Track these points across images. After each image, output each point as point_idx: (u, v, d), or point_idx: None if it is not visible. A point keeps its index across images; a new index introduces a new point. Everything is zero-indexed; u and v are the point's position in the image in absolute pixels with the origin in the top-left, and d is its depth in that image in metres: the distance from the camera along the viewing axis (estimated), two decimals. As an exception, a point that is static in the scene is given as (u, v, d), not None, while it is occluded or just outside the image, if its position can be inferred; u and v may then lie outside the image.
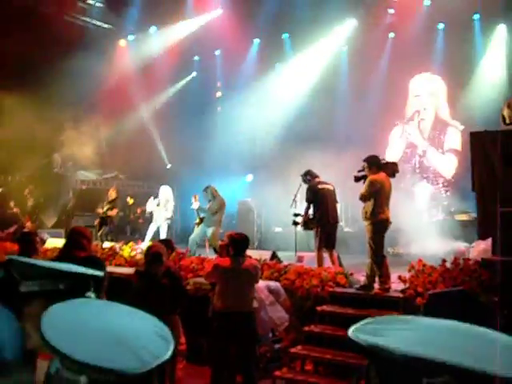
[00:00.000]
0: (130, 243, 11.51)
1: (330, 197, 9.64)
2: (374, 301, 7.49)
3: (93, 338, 1.75)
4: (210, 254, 11.08)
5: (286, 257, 10.34)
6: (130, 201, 17.32)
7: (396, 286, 7.69)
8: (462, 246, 10.93)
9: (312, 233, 9.70)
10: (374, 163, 8.03)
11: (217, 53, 20.59)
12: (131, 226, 18.06)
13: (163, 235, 12.88)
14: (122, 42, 19.80)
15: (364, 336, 1.71)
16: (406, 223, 12.48)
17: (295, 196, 11.32)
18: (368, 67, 17.70)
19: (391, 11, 17.47)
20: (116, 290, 5.64)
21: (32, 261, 5.75)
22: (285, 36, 19.27)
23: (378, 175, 7.85)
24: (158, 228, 13.19)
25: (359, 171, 8.30)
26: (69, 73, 15.31)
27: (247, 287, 6.30)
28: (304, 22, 17.41)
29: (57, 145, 17.59)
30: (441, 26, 17.19)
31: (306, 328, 7.50)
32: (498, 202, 7.51)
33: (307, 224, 9.71)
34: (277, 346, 7.76)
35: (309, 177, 9.87)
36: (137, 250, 10.89)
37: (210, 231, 11.86)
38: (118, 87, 17.74)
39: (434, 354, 1.57)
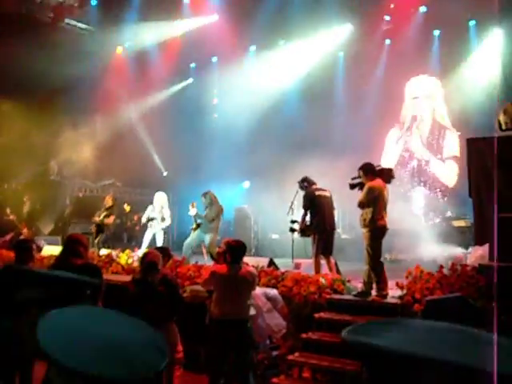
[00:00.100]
0: (127, 250, 11.48)
1: (327, 204, 9.63)
2: (371, 307, 7.47)
3: (87, 346, 1.74)
4: (208, 262, 11.06)
5: (283, 264, 10.33)
6: (127, 208, 17.27)
7: (393, 292, 7.68)
8: (459, 251, 10.94)
9: (309, 239, 9.69)
10: (370, 170, 8.04)
11: (213, 59, 20.63)
12: (128, 233, 18.02)
13: (160, 242, 12.87)
14: (119, 49, 19.81)
15: (356, 337, 1.72)
16: (404, 229, 12.49)
17: (292, 203, 11.31)
18: (364, 73, 17.76)
19: (387, 18, 17.54)
20: (113, 297, 5.62)
21: (28, 268, 5.75)
22: (281, 43, 19.31)
23: (375, 182, 7.86)
24: (154, 235, 13.19)
25: (353, 178, 8.32)
26: (65, 80, 15.32)
27: (244, 294, 6.29)
28: (300, 28, 17.46)
29: (53, 152, 17.57)
30: (437, 32, 17.27)
31: (304, 335, 7.48)
32: (495, 208, 7.51)
33: (304, 231, 9.70)
34: (274, 353, 7.74)
35: (306, 183, 9.87)
36: (134, 257, 10.87)
37: (207, 238, 11.84)
38: (115, 94, 17.76)
39: (425, 351, 1.57)
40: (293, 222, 10.37)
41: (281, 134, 18.01)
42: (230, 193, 17.13)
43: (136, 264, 10.03)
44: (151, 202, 13.42)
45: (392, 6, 17.16)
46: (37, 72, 15.22)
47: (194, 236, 12.08)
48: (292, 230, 10.41)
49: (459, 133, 16.90)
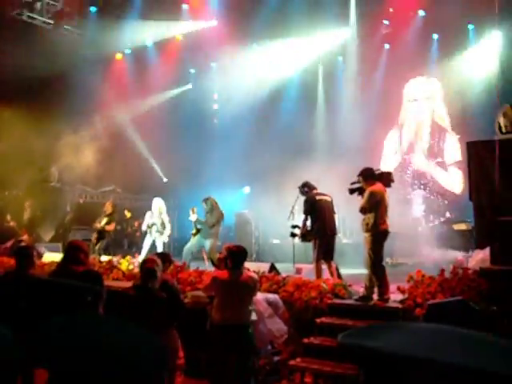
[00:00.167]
0: (128, 257, 11.47)
1: (327, 208, 9.62)
2: (373, 312, 7.46)
3: (85, 353, 1.74)
4: (208, 267, 11.06)
5: (285, 269, 10.31)
6: (128, 214, 17.30)
7: (395, 296, 7.67)
8: (460, 255, 10.92)
9: (310, 244, 9.68)
10: (370, 175, 8.04)
11: (213, 65, 20.66)
12: (128, 239, 18.03)
13: (160, 248, 12.88)
14: (119, 56, 19.85)
15: (352, 340, 1.72)
16: (405, 233, 12.48)
17: (293, 208, 11.30)
18: (363, 77, 17.80)
19: (386, 22, 17.58)
20: (114, 303, 5.62)
21: (30, 275, 5.74)
22: (279, 47, 19.34)
23: (375, 186, 7.85)
24: (154, 241, 13.20)
25: (352, 183, 8.31)
26: (65, 86, 15.33)
27: (245, 300, 6.27)
28: (299, 32, 17.49)
29: (54, 158, 17.57)
30: (435, 36, 17.31)
31: (305, 340, 7.46)
32: (496, 212, 7.51)
33: (305, 236, 9.69)
34: (276, 358, 7.71)
35: (306, 188, 9.86)
36: (134, 263, 10.85)
37: (207, 244, 11.86)
38: (115, 100, 17.78)
39: (421, 353, 1.58)
40: (293, 226, 10.35)
41: (281, 138, 18.03)
42: (231, 198, 17.13)
43: (137, 270, 10.02)
44: (151, 209, 13.44)
45: (391, 10, 17.20)
46: (36, 78, 15.26)
47: (193, 241, 12.10)
48: (293, 235, 10.39)
49: (459, 136, 16.91)
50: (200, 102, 20.74)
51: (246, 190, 19.92)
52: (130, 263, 10.91)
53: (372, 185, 7.88)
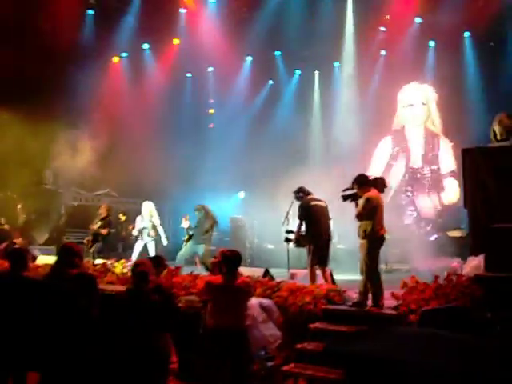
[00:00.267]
0: (122, 260, 11.45)
1: (322, 214, 9.62)
2: (367, 318, 7.44)
3: None
4: (200, 271, 11.04)
5: (279, 274, 10.29)
6: (123, 218, 17.27)
7: (389, 302, 7.66)
8: (454, 262, 10.94)
9: (304, 250, 9.67)
10: (364, 182, 8.05)
11: (209, 69, 20.67)
12: (123, 242, 17.97)
13: (152, 252, 12.86)
14: (115, 59, 19.83)
15: (338, 348, 1.74)
16: (399, 239, 12.49)
17: (287, 213, 11.30)
18: (359, 83, 17.84)
19: (383, 29, 17.64)
20: (108, 307, 5.60)
21: (24, 278, 5.72)
22: (277, 53, 19.40)
23: (371, 192, 7.85)
24: (146, 245, 13.19)
25: (345, 190, 8.31)
26: (61, 88, 15.31)
27: (240, 304, 6.26)
28: (296, 39, 17.53)
29: (48, 161, 17.52)
30: (432, 43, 17.38)
31: (299, 345, 7.43)
32: (491, 219, 7.53)
33: (300, 241, 9.69)
34: (269, 363, 7.68)
35: (301, 194, 9.86)
36: (128, 267, 10.82)
37: (200, 249, 11.90)
38: (110, 103, 17.75)
39: (405, 357, 1.59)
40: (288, 232, 10.34)
41: (276, 144, 18.07)
42: (225, 203, 17.15)
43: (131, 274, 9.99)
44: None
45: (387, 17, 17.25)
46: (32, 80, 15.23)
47: (186, 248, 12.19)
48: (287, 240, 10.38)
49: (452, 143, 16.97)
50: (196, 106, 20.74)
51: (241, 194, 19.91)
52: (124, 267, 10.88)
53: (367, 191, 7.88)
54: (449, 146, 17.53)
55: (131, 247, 16.46)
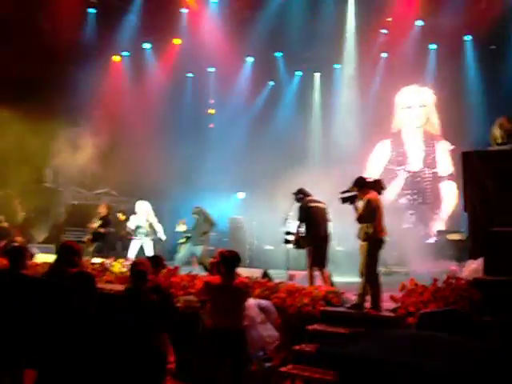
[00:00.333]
0: (121, 259, 11.44)
1: (321, 215, 9.62)
2: (365, 320, 7.44)
3: None
4: (199, 271, 11.04)
5: (278, 275, 10.28)
6: (122, 217, 17.22)
7: (388, 305, 7.65)
8: (453, 265, 10.93)
9: (303, 251, 9.67)
10: (364, 184, 8.05)
11: (210, 70, 20.67)
12: (122, 242, 17.93)
13: (149, 252, 12.82)
14: (116, 58, 19.82)
15: (331, 349, 1.74)
16: (397, 242, 12.48)
17: (287, 214, 11.29)
18: (360, 85, 17.84)
19: (384, 31, 17.64)
20: (106, 306, 5.60)
21: (23, 275, 5.72)
22: (278, 54, 19.41)
23: (371, 194, 7.85)
24: (142, 245, 13.17)
25: (343, 192, 8.30)
26: (61, 87, 15.30)
27: (238, 305, 6.26)
28: (297, 41, 17.53)
29: (48, 159, 17.51)
30: (433, 46, 17.38)
31: (297, 347, 7.43)
32: (490, 222, 7.52)
33: (299, 242, 9.68)
34: (267, 364, 7.68)
35: (301, 195, 9.85)
36: (127, 266, 10.81)
37: (198, 250, 11.91)
38: (111, 102, 17.75)
39: (398, 358, 1.59)
40: (287, 233, 10.34)
41: (276, 145, 18.07)
42: (225, 203, 17.13)
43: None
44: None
45: (389, 19, 17.26)
46: (33, 79, 15.22)
47: (184, 250, 12.19)
48: (286, 242, 10.37)
49: (453, 146, 16.97)
50: (196, 106, 20.74)
51: (241, 195, 19.90)
52: (122, 266, 10.87)
53: (367, 193, 7.88)
54: (447, 148, 17.54)
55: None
